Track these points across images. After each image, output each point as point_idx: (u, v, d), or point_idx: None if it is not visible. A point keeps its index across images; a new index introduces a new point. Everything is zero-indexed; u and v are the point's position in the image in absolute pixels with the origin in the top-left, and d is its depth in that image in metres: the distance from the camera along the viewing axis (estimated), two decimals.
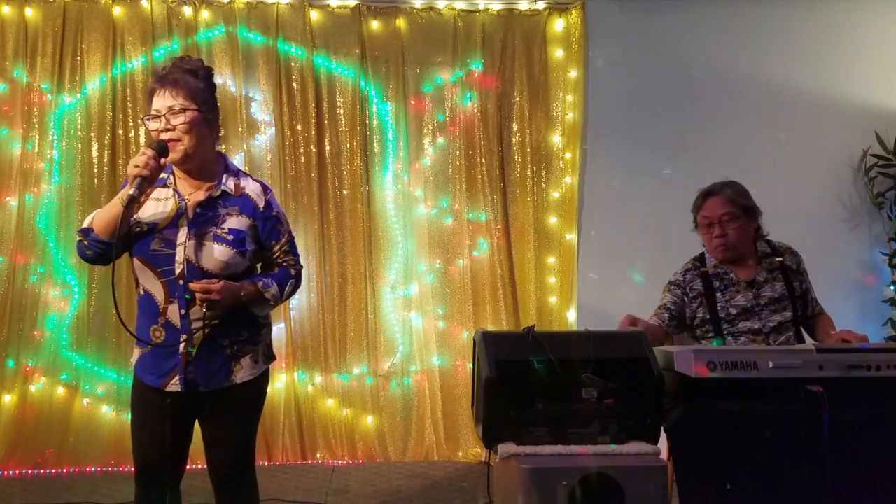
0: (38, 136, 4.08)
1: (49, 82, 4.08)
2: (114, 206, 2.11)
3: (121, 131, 4.11)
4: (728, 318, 2.69)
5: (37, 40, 4.10)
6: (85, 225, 2.21)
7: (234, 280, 2.18)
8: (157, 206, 2.20)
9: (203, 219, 2.18)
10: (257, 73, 4.19)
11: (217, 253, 2.15)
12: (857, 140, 4.34)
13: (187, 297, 2.13)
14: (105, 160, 4.08)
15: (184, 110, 2.13)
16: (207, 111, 2.20)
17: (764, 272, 2.75)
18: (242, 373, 2.23)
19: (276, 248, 2.29)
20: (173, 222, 2.17)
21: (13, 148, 4.09)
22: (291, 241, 2.34)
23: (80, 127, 4.11)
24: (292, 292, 2.34)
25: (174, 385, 2.17)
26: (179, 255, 2.15)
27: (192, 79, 2.19)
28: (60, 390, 4.03)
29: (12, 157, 4.09)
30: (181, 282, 2.13)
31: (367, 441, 4.17)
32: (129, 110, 4.11)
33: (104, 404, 4.04)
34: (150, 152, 2.08)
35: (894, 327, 4.29)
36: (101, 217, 2.15)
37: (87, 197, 4.07)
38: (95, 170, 4.09)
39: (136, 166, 2.05)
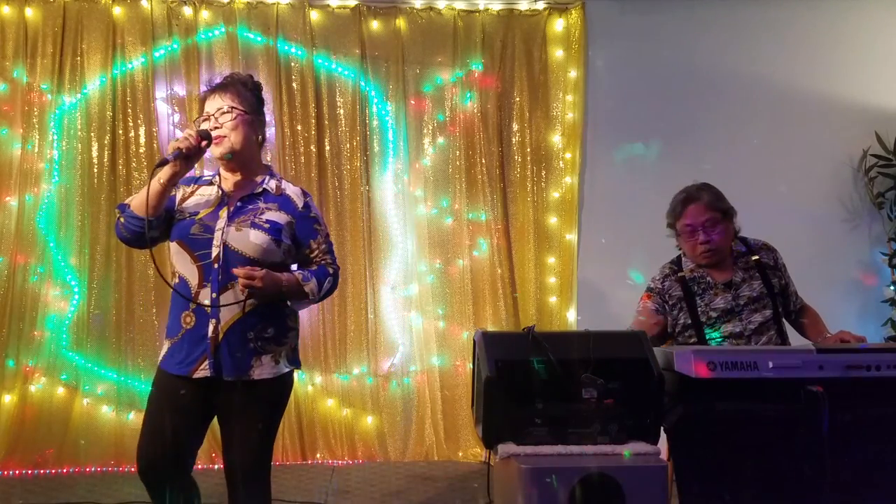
0: (38, 136, 4.08)
1: (49, 82, 4.08)
2: (152, 184, 2.19)
3: (121, 131, 4.11)
4: (709, 322, 2.68)
5: (37, 40, 4.10)
6: (125, 202, 2.30)
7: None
8: (200, 198, 2.33)
9: (243, 210, 2.28)
10: (257, 73, 4.18)
11: (253, 237, 2.22)
12: (857, 140, 4.34)
13: (226, 282, 2.19)
14: (105, 160, 4.08)
15: (232, 109, 2.29)
16: (253, 114, 2.34)
17: (741, 272, 2.73)
18: (261, 370, 2.25)
19: (314, 246, 2.37)
20: (214, 211, 2.28)
21: (13, 148, 4.09)
22: (329, 243, 2.42)
23: (80, 127, 4.11)
24: (330, 291, 2.37)
25: (203, 370, 2.20)
26: (217, 240, 2.22)
27: (242, 87, 2.35)
28: (60, 390, 4.02)
29: (12, 157, 4.09)
30: (216, 266, 2.19)
31: (367, 441, 4.17)
32: (129, 110, 4.11)
33: (104, 404, 4.04)
34: (192, 132, 2.21)
35: (894, 327, 4.29)
36: (140, 194, 2.24)
37: (87, 197, 4.07)
38: (95, 170, 4.09)
39: (177, 140, 2.20)
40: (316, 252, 2.37)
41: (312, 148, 4.19)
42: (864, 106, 4.37)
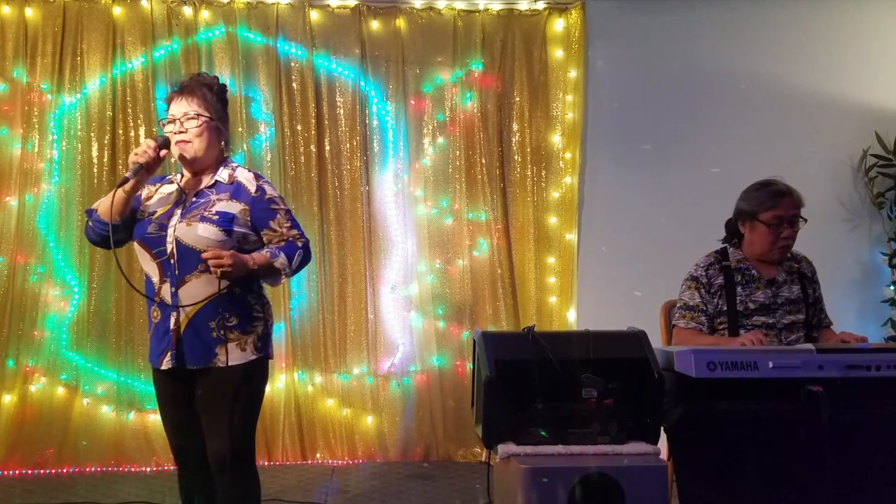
0: (38, 136, 4.08)
1: (49, 82, 4.08)
2: (116, 194, 2.32)
3: (121, 131, 4.11)
4: (745, 313, 2.71)
5: (37, 40, 4.09)
6: (92, 206, 2.44)
7: None
8: (160, 196, 2.42)
9: (195, 205, 2.36)
10: (257, 73, 4.18)
11: (202, 231, 2.28)
12: (857, 140, 4.33)
13: (177, 272, 2.28)
14: (105, 160, 4.08)
15: (197, 116, 2.34)
16: (217, 120, 2.39)
17: (784, 273, 2.78)
18: (227, 357, 2.30)
19: (276, 226, 2.37)
20: (171, 208, 2.37)
21: (13, 148, 4.09)
22: (291, 218, 2.42)
23: (80, 127, 4.10)
24: (302, 264, 2.40)
25: (168, 362, 2.30)
26: (170, 236, 2.30)
27: (208, 91, 2.40)
28: (60, 390, 4.02)
29: (12, 157, 4.08)
30: (172, 261, 2.28)
31: (367, 441, 4.17)
32: (129, 110, 4.11)
33: (104, 404, 4.04)
34: (151, 143, 2.30)
35: (894, 327, 4.29)
36: (104, 200, 2.36)
37: (87, 197, 4.06)
38: (95, 170, 4.08)
39: (136, 154, 2.29)
40: (280, 231, 2.37)
41: (312, 148, 4.19)
42: (864, 106, 4.36)
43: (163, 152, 2.30)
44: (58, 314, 4.06)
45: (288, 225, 2.39)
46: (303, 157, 4.20)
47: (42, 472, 3.91)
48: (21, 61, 4.08)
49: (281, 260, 2.31)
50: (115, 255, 2.32)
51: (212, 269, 2.19)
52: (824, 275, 2.93)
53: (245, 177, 2.40)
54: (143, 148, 2.28)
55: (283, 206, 2.41)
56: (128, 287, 4.00)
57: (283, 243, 2.36)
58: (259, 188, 2.38)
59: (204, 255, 2.21)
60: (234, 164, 2.45)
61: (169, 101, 2.39)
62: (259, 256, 2.30)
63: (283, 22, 4.20)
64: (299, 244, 2.38)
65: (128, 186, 2.27)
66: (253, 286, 2.39)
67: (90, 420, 4.02)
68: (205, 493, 2.40)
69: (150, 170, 2.30)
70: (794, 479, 2.17)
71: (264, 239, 2.38)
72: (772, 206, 2.72)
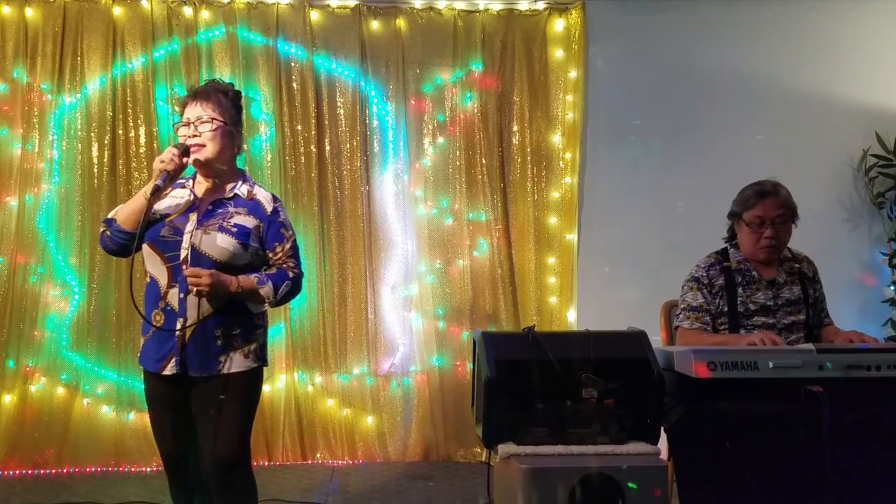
0: (38, 136, 4.08)
1: (49, 82, 4.08)
2: (137, 199, 2.31)
3: (121, 131, 4.11)
4: (746, 314, 2.71)
5: (37, 40, 4.09)
6: (109, 216, 2.39)
7: (235, 273, 2.30)
8: (172, 201, 2.41)
9: (213, 214, 2.35)
10: (257, 73, 4.19)
11: (220, 241, 2.29)
12: (857, 140, 4.34)
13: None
14: (105, 160, 4.08)
15: (211, 120, 2.36)
16: (231, 125, 2.42)
17: (784, 274, 2.79)
18: (230, 364, 2.32)
19: (279, 249, 2.41)
20: (185, 214, 2.35)
21: (13, 148, 4.09)
22: (295, 248, 2.46)
23: (80, 127, 4.10)
24: (288, 295, 2.40)
25: (171, 368, 2.29)
26: (185, 242, 2.30)
27: (223, 97, 2.42)
28: (60, 390, 4.02)
29: (12, 157, 4.09)
30: (185, 267, 2.27)
31: (367, 441, 4.17)
32: (129, 110, 4.11)
33: (104, 404, 4.04)
34: (175, 150, 2.31)
35: (894, 327, 4.29)
36: (125, 209, 2.36)
37: (87, 197, 4.07)
38: (95, 170, 4.09)
39: (162, 161, 2.29)
40: (280, 255, 2.41)
41: (312, 148, 4.19)
42: (864, 106, 4.37)
43: (184, 159, 2.32)
44: (58, 314, 4.06)
45: (290, 253, 2.42)
46: (303, 157, 4.20)
47: (42, 472, 3.91)
48: (21, 61, 4.08)
49: (267, 288, 2.32)
50: (130, 274, 2.34)
51: (189, 286, 2.21)
52: (825, 275, 2.93)
53: (263, 196, 2.44)
54: (169, 156, 2.28)
55: (291, 234, 2.45)
56: (128, 287, 4.01)
57: (275, 269, 2.39)
58: (275, 210, 2.43)
59: (185, 272, 2.22)
60: (252, 181, 2.49)
61: (183, 106, 2.41)
62: (245, 280, 2.30)
63: (283, 22, 4.20)
64: (290, 274, 2.39)
65: (150, 192, 2.27)
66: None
67: (90, 420, 4.02)
68: (201, 500, 2.40)
69: (174, 177, 2.32)
70: (794, 478, 2.17)
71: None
72: (753, 205, 2.74)
